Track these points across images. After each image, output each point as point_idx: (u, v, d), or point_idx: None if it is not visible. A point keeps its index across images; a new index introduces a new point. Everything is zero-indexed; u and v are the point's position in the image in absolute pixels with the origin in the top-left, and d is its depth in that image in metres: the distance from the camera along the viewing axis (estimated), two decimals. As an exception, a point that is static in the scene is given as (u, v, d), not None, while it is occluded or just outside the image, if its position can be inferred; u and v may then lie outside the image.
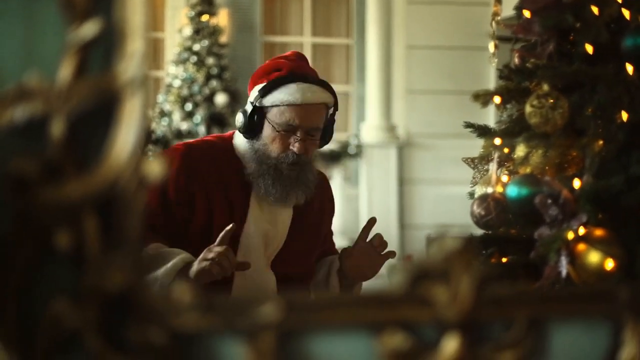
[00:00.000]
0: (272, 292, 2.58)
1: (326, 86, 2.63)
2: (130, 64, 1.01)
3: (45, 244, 1.01)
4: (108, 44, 1.03)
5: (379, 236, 2.61)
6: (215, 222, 2.52)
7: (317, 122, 2.57)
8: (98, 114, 1.02)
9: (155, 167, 0.99)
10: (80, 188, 0.99)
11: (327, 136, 2.66)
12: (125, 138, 1.00)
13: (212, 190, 2.54)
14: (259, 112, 2.57)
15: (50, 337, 1.03)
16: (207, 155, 2.59)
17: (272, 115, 2.55)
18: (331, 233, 2.87)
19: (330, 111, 2.65)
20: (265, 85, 2.58)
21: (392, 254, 2.61)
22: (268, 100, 2.56)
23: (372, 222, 2.63)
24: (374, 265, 2.61)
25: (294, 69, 2.61)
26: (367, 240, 2.61)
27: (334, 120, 2.69)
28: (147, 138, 2.64)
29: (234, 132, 2.67)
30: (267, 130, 2.56)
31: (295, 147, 2.54)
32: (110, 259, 1.00)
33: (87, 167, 1.02)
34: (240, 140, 2.62)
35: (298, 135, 2.54)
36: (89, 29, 1.01)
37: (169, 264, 2.41)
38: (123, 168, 0.99)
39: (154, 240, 2.45)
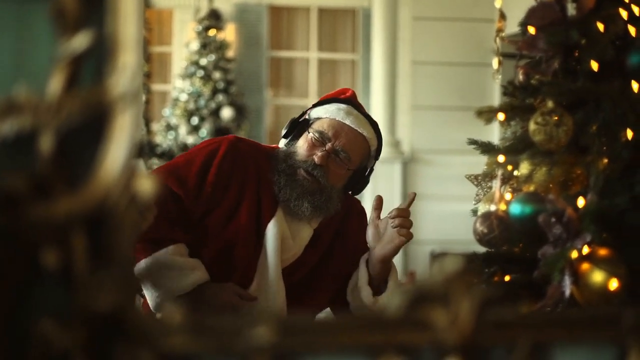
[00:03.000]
0: (281, 300, 2.62)
1: (375, 127, 2.74)
2: (122, 77, 0.98)
3: (33, 262, 0.99)
4: (100, 57, 1.00)
5: (396, 209, 2.65)
6: (240, 211, 2.61)
7: (349, 146, 2.66)
8: (88, 129, 0.99)
9: (146, 184, 0.96)
10: (69, 205, 0.96)
11: (358, 180, 2.77)
12: (115, 154, 0.97)
13: (247, 182, 2.64)
14: (305, 122, 2.71)
15: (39, 358, 1.00)
16: (251, 151, 2.71)
17: (314, 124, 2.68)
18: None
19: (372, 163, 2.78)
20: (322, 101, 2.76)
21: (407, 235, 2.61)
22: (316, 113, 2.72)
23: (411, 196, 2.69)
24: (391, 239, 2.62)
25: (354, 99, 2.75)
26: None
27: (370, 171, 2.80)
28: (151, 151, 2.77)
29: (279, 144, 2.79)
30: (303, 137, 2.68)
31: (317, 155, 2.62)
32: (99, 279, 0.97)
33: (76, 183, 0.99)
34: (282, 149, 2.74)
35: (326, 147, 2.62)
36: (81, 41, 0.98)
37: (189, 280, 2.50)
38: (113, 185, 0.96)
39: (178, 239, 2.53)
